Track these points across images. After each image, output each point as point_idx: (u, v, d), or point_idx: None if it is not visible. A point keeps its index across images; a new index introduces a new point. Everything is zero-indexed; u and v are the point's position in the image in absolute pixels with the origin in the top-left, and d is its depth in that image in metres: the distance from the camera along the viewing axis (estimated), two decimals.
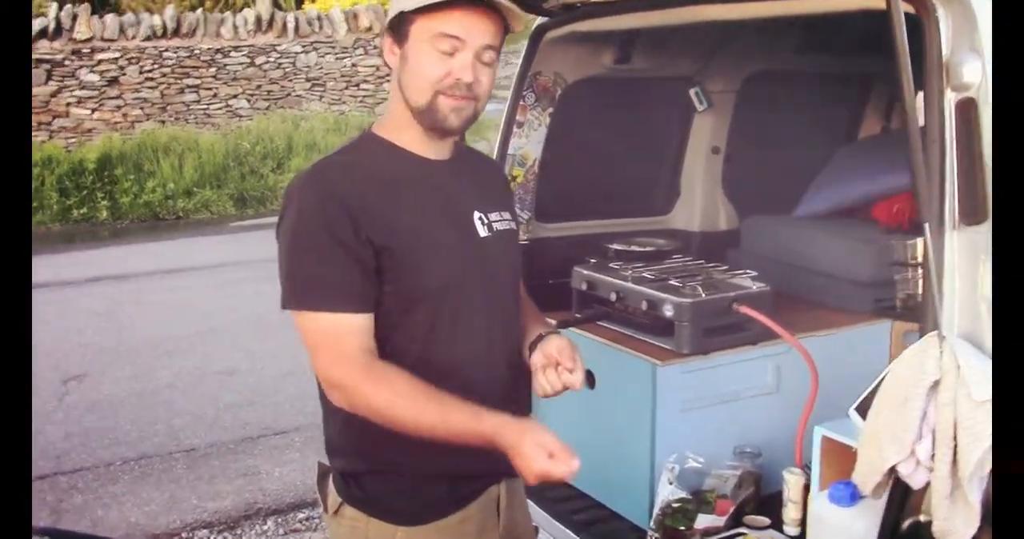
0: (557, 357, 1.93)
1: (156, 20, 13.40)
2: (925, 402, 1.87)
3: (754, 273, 3.02)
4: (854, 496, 2.21)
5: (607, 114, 3.48)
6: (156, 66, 13.14)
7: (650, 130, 3.68)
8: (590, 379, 3.08)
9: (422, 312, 1.78)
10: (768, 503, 2.92)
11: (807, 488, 2.76)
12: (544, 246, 3.45)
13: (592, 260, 3.21)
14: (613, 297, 3.02)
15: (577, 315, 3.15)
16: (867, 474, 2.04)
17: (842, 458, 2.34)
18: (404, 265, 1.73)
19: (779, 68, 3.63)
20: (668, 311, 2.85)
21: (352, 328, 1.69)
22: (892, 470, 1.93)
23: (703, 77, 3.55)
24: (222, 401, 5.63)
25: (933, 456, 1.85)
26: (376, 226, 1.71)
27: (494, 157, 3.26)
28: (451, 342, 1.83)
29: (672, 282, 2.96)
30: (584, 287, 3.15)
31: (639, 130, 3.63)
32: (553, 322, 3.11)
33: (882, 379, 2.30)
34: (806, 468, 2.97)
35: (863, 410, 2.31)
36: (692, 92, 3.51)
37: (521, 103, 3.21)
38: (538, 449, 1.62)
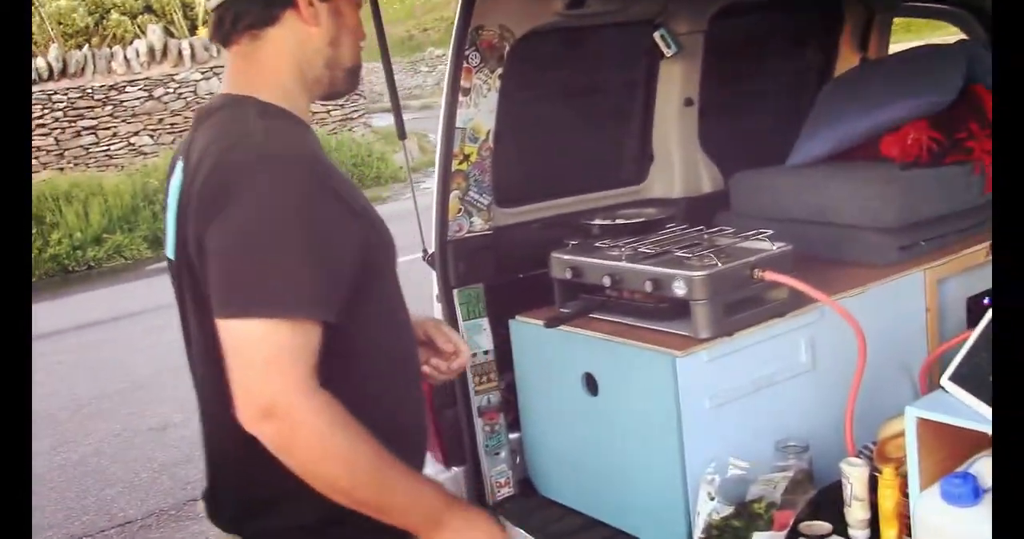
0: (431, 339, 1.87)
1: (40, 62, 12.62)
2: None
3: (768, 231, 2.53)
4: (977, 492, 1.71)
5: (564, 71, 3.00)
6: (46, 111, 12.41)
7: (614, 86, 3.18)
8: (591, 384, 2.55)
9: (377, 299, 1.59)
10: (821, 503, 2.43)
11: (873, 481, 2.29)
12: (510, 236, 2.92)
13: (571, 243, 2.68)
14: (606, 282, 2.51)
15: (564, 310, 2.62)
16: None
17: (945, 444, 1.85)
18: (377, 251, 1.56)
19: None
20: (679, 289, 2.34)
21: (316, 341, 1.40)
22: None
23: (666, 17, 3.05)
24: (157, 461, 5.18)
25: None
26: (359, 212, 1.52)
27: (440, 133, 2.72)
28: (398, 327, 1.68)
29: (678, 254, 2.45)
30: (568, 275, 2.62)
31: (602, 87, 3.13)
32: (539, 323, 2.61)
33: (978, 339, 1.82)
34: (861, 455, 2.50)
35: (963, 379, 1.82)
36: (657, 35, 3.00)
37: (465, 65, 2.67)
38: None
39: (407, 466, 1.47)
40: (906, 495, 2.27)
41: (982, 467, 1.76)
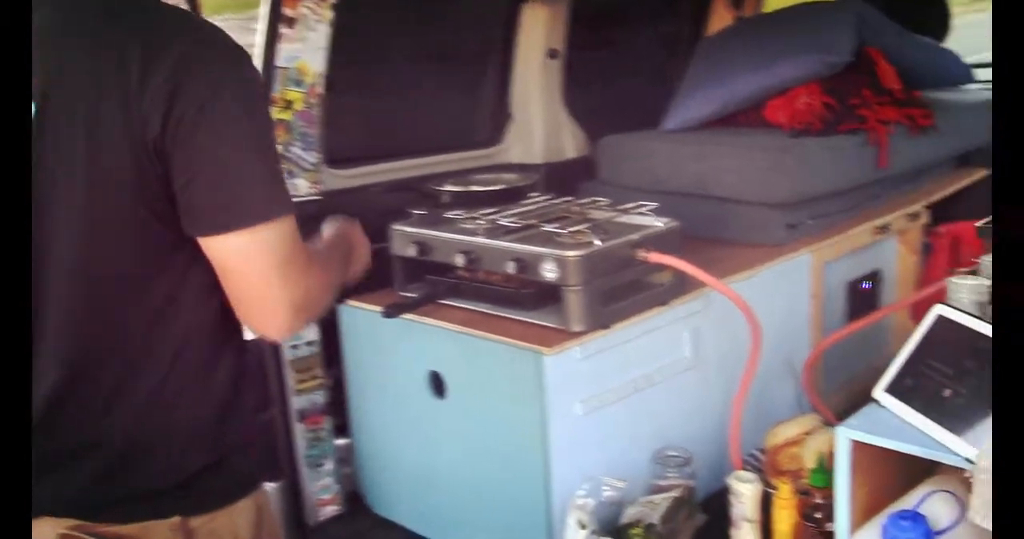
0: None
1: None
2: None
3: (651, 204, 2.14)
4: (928, 535, 1.37)
5: (412, 8, 2.50)
6: None
7: (469, 31, 2.72)
8: (438, 384, 2.12)
9: None
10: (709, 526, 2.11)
11: (766, 498, 1.97)
12: (342, 203, 2.41)
13: (418, 212, 2.22)
14: (459, 261, 2.07)
15: (406, 294, 2.16)
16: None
17: (879, 472, 1.51)
18: None
19: None
20: (550, 272, 1.93)
21: None
22: None
23: None
24: None
25: None
26: None
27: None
28: None
29: (546, 229, 2.03)
30: (412, 251, 2.16)
31: (455, 31, 2.67)
32: (376, 310, 2.13)
33: (921, 344, 1.49)
34: (748, 465, 2.18)
35: (901, 392, 1.49)
36: None
37: None
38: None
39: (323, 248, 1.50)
40: (807, 518, 1.95)
41: (936, 505, 1.42)
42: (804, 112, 2.53)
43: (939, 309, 1.54)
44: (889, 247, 2.85)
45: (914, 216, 2.83)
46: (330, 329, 2.34)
